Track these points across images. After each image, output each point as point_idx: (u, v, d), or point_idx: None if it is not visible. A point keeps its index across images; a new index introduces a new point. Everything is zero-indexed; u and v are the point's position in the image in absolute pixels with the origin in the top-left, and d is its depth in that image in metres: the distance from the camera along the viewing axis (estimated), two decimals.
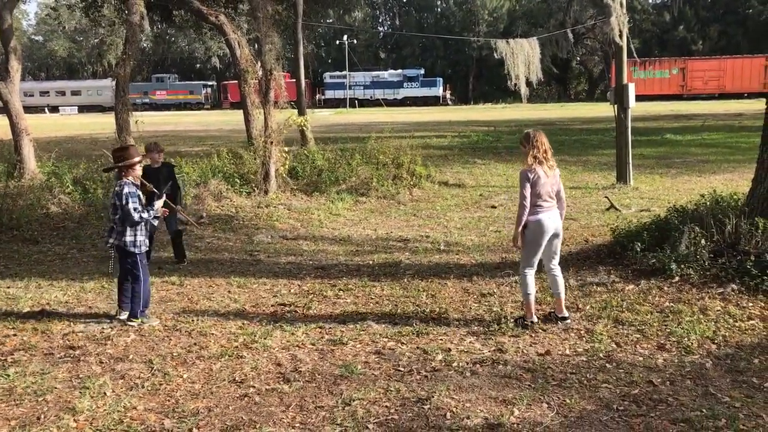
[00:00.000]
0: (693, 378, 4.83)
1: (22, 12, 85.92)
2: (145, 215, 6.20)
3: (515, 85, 17.36)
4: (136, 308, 6.31)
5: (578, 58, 79.07)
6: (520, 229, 5.88)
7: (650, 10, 77.15)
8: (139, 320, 6.29)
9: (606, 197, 12.53)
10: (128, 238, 6.22)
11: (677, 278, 6.81)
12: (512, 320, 6.09)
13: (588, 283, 7.10)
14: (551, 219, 5.86)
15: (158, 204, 6.50)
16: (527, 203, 5.77)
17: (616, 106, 14.54)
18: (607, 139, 23.04)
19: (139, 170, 6.38)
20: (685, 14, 72.55)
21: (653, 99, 55.47)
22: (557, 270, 6.10)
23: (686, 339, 5.53)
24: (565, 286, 6.98)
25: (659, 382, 4.77)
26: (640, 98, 17.83)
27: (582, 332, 5.82)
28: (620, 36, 14.19)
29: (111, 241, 6.30)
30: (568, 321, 6.04)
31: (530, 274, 5.98)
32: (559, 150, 21.77)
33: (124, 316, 6.40)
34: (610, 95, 15.13)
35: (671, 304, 6.33)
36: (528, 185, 5.76)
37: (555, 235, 5.96)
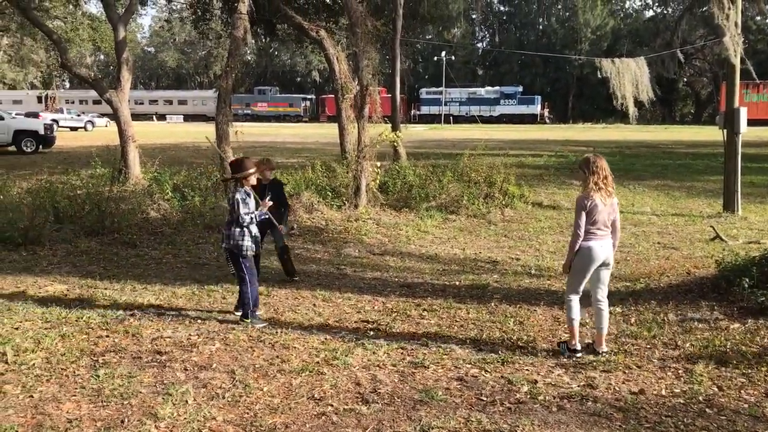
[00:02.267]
0: None
1: (138, 25, 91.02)
2: (252, 216, 6.63)
3: (622, 105, 16.78)
4: (246, 309, 6.73)
5: (685, 79, 76.05)
6: (572, 257, 5.80)
7: (767, 30, 73.27)
8: (249, 321, 6.66)
9: (711, 226, 11.84)
10: (235, 242, 6.62)
11: None
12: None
13: (689, 319, 6.66)
14: (603, 247, 5.70)
15: (264, 207, 6.90)
16: (581, 232, 5.68)
17: (725, 130, 13.78)
18: (714, 164, 21.93)
19: (253, 179, 6.82)
20: None
21: None
22: (604, 303, 5.88)
23: None
24: (659, 322, 6.62)
25: None
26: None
27: (680, 372, 5.44)
28: (734, 57, 13.45)
29: (223, 245, 6.81)
30: (606, 353, 5.83)
31: (575, 300, 5.84)
32: (662, 174, 20.99)
33: (237, 314, 6.92)
34: (718, 119, 14.33)
35: None
36: (583, 213, 5.68)
37: (604, 265, 5.79)
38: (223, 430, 4.44)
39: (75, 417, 4.58)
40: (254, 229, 6.72)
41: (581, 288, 5.83)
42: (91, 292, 7.85)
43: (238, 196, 6.59)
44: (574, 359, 5.71)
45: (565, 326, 6.63)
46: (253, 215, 6.64)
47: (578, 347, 5.84)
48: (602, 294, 5.87)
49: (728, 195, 13.99)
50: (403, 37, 23.64)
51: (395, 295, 7.93)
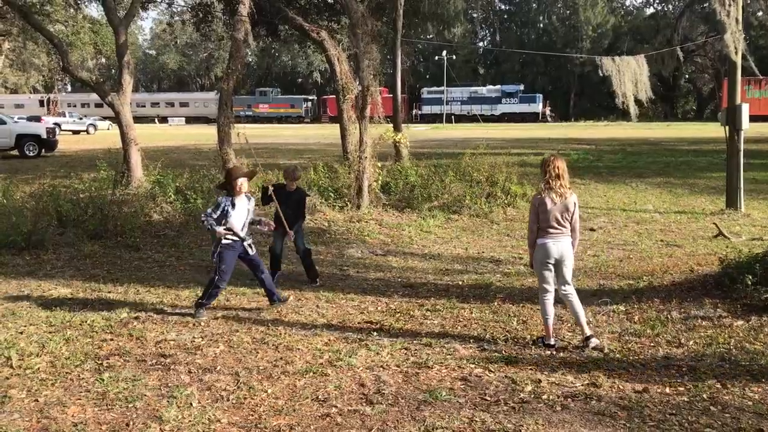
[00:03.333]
0: None
1: (138, 28, 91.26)
2: (207, 221, 6.90)
3: (623, 103, 16.77)
4: (200, 300, 7.07)
5: (686, 76, 75.94)
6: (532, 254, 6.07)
7: None
8: (197, 312, 6.99)
9: (714, 223, 11.84)
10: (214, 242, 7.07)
11: None
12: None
13: (692, 317, 6.66)
14: (555, 245, 5.87)
15: (220, 229, 6.95)
16: (532, 229, 5.96)
17: (727, 127, 13.76)
18: (716, 161, 21.90)
19: (245, 187, 7.04)
20: None
21: None
22: (571, 295, 6.01)
23: None
24: (662, 320, 6.62)
25: None
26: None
27: (684, 369, 5.44)
28: (735, 53, 13.43)
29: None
30: (595, 341, 5.91)
31: (546, 298, 6.01)
32: (665, 171, 20.96)
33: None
34: (720, 116, 14.32)
35: None
36: (533, 211, 5.93)
37: (560, 262, 5.91)
38: None
39: (80, 421, 4.59)
40: (222, 232, 6.91)
41: (547, 285, 5.99)
42: (95, 295, 7.87)
43: (218, 199, 7.06)
44: (575, 357, 5.73)
45: (568, 325, 6.66)
46: (208, 221, 6.86)
47: (552, 342, 6.02)
48: (565, 288, 6.00)
49: (731, 192, 13.98)
50: (404, 37, 23.66)
51: (398, 295, 7.94)
